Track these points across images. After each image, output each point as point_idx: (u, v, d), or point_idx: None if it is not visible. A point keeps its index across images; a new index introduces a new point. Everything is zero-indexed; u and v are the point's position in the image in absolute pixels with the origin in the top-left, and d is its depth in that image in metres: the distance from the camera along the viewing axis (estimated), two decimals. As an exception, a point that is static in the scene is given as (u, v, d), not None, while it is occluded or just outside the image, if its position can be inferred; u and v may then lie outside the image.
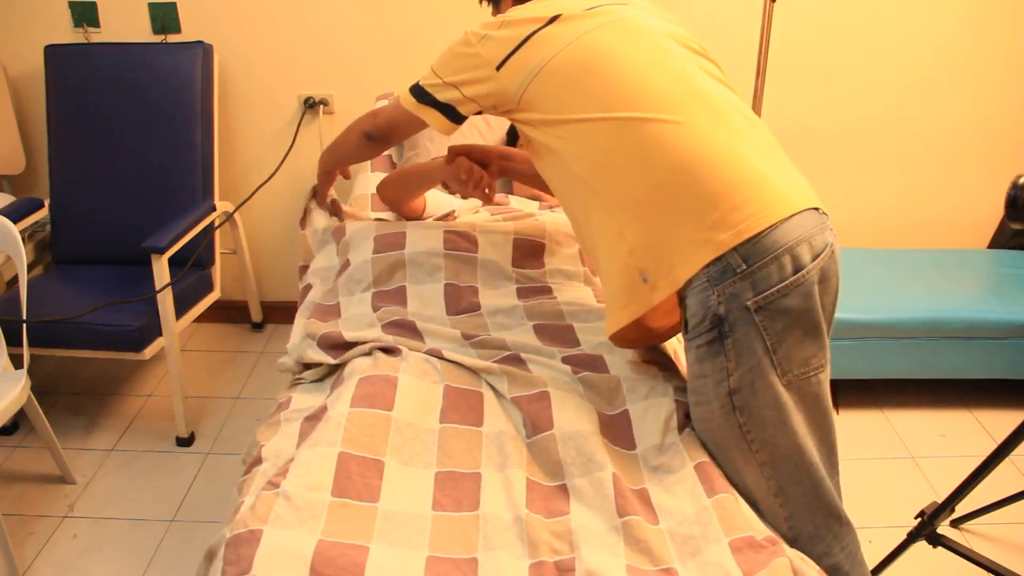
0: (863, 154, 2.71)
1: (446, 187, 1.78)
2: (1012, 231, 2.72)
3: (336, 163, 1.76)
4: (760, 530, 1.16)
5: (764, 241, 1.14)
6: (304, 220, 1.91)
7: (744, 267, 1.14)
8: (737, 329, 1.15)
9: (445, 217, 1.98)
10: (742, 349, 1.16)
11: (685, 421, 1.32)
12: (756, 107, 2.07)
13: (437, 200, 2.02)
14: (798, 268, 1.14)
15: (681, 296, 1.22)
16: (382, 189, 1.91)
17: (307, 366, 1.57)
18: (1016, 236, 2.73)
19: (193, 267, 2.37)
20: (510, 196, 2.04)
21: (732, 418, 1.20)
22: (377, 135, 1.59)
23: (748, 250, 1.14)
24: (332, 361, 1.51)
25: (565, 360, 1.46)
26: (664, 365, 1.45)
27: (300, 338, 1.60)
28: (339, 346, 1.52)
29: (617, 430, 1.34)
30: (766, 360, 1.16)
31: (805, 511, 1.24)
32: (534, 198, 2.09)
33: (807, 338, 1.18)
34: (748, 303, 1.14)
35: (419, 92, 1.44)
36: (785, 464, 1.21)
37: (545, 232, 1.83)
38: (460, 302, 1.63)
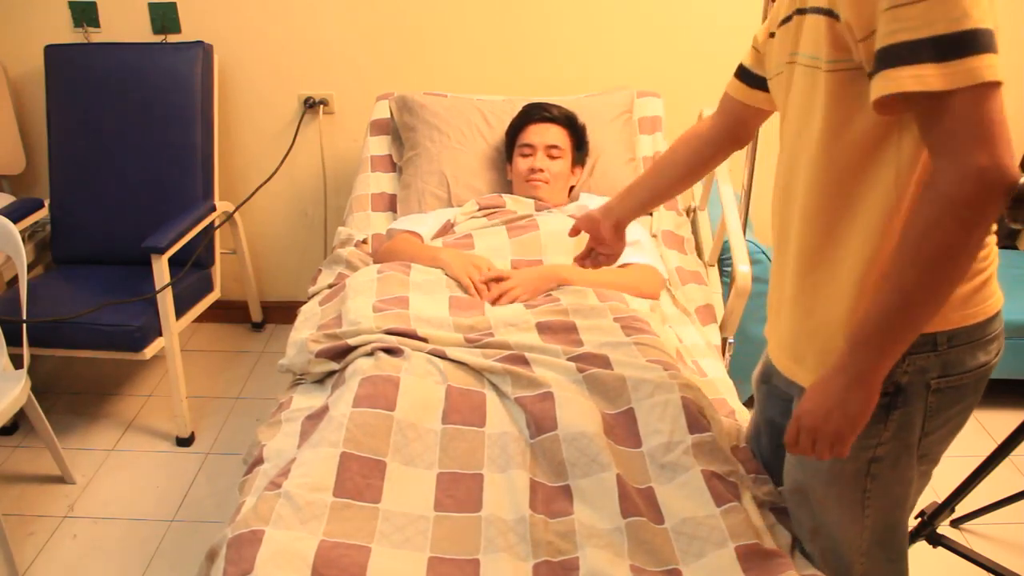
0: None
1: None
2: (1007, 230, 2.72)
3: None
4: (767, 540, 1.16)
5: (979, 329, 1.03)
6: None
7: (945, 346, 1.03)
8: (909, 404, 1.06)
9: (443, 229, 1.98)
10: (903, 424, 1.08)
11: (700, 420, 1.32)
12: (756, 107, 2.08)
13: (438, 216, 2.03)
14: (985, 361, 1.06)
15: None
16: (378, 256, 1.93)
17: None
18: (1008, 236, 2.73)
19: (193, 267, 2.37)
20: (505, 196, 2.04)
21: (860, 483, 1.13)
22: (998, 169, 0.83)
23: (958, 331, 1.03)
24: (336, 366, 1.51)
25: (570, 359, 1.46)
26: (668, 364, 1.45)
27: (296, 350, 1.58)
28: (342, 353, 1.52)
29: (622, 428, 1.34)
30: (915, 441, 1.10)
31: (881, 568, 1.21)
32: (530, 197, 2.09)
33: (954, 433, 1.12)
34: (931, 381, 1.05)
35: (970, 40, 0.82)
36: (885, 532, 1.18)
37: (541, 246, 1.85)
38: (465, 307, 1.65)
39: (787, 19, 1.08)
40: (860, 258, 1.01)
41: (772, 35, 1.15)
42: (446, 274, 1.76)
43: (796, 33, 1.05)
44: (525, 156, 2.05)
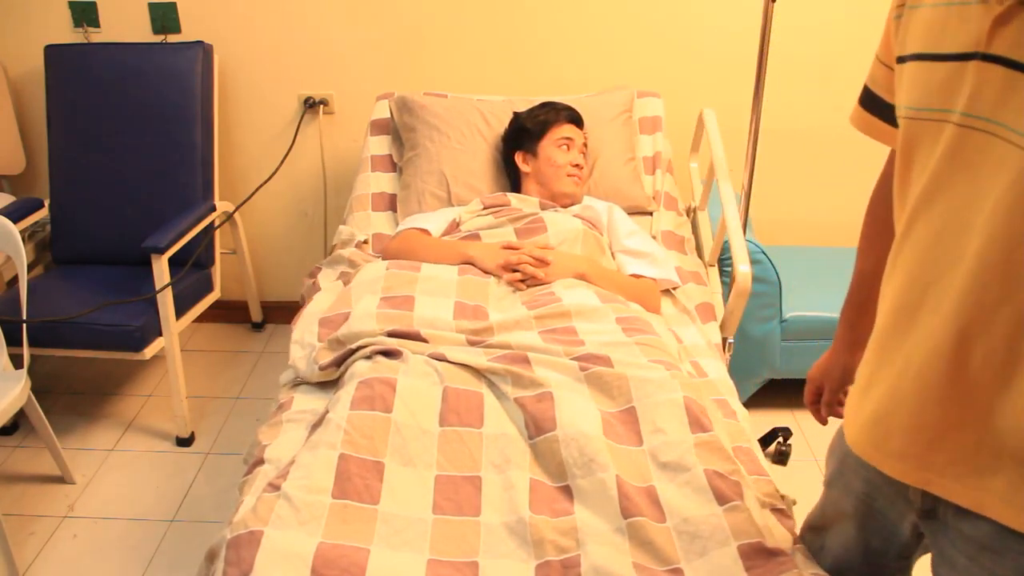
0: (862, 154, 2.70)
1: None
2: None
3: None
4: (770, 539, 1.16)
5: None
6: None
7: None
8: None
9: (450, 228, 1.98)
10: None
11: (701, 420, 1.32)
12: (756, 107, 2.07)
13: (443, 215, 2.03)
14: None
15: None
16: (390, 252, 1.91)
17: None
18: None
19: (193, 267, 2.37)
20: (509, 195, 2.04)
21: None
22: None
23: None
24: (336, 374, 1.51)
25: (572, 359, 1.46)
26: (669, 364, 1.45)
27: (305, 364, 1.57)
28: (343, 358, 1.51)
29: (624, 427, 1.34)
30: None
31: None
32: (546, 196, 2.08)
33: None
34: None
35: None
36: None
37: (549, 242, 1.85)
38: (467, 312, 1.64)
39: (959, 57, 0.79)
40: None
41: (902, 59, 0.88)
42: (480, 268, 1.77)
43: (983, 87, 0.77)
44: (564, 149, 2.06)
